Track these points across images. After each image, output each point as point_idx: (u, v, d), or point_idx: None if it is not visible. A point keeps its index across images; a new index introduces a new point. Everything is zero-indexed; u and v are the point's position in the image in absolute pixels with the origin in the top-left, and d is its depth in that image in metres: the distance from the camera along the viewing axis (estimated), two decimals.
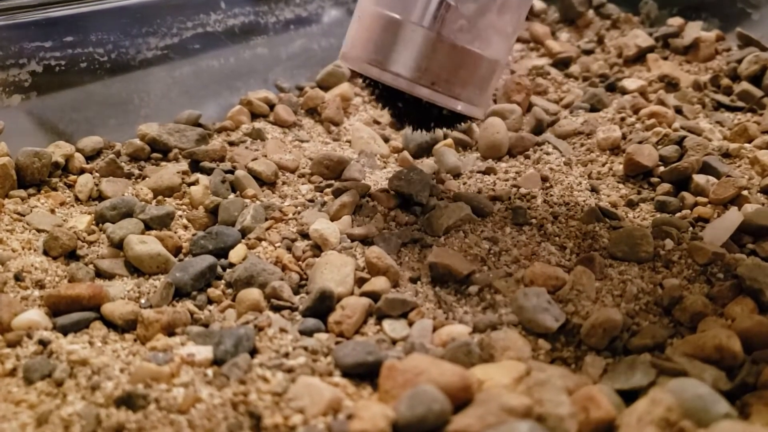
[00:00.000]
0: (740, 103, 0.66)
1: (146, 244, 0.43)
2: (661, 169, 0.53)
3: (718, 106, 0.66)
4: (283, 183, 0.53)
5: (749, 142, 0.58)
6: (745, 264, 0.40)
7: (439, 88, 0.42)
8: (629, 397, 0.31)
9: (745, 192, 0.48)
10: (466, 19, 0.42)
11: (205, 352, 0.34)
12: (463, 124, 0.51)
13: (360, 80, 0.57)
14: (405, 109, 0.47)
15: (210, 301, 0.41)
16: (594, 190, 0.51)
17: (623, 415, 0.29)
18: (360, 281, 0.41)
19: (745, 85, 0.67)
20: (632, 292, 0.39)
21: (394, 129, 0.63)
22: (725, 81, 0.69)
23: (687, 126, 0.58)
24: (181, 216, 0.48)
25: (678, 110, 0.63)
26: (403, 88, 0.43)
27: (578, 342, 0.36)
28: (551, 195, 0.51)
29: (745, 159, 0.55)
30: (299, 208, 0.49)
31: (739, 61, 0.70)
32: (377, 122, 0.65)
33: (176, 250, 0.45)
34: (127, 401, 0.31)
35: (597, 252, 0.43)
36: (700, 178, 0.51)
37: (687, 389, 0.29)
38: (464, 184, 0.54)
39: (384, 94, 0.48)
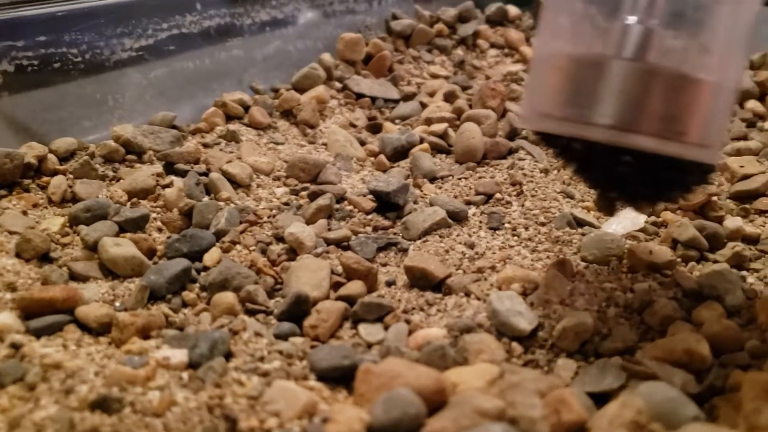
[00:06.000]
0: None
1: (121, 247, 0.43)
2: None
3: None
4: (258, 186, 0.53)
5: None
6: (703, 272, 0.42)
7: (683, 137, 0.32)
8: (600, 399, 0.32)
9: (714, 198, 0.49)
10: (684, 43, 0.34)
11: (180, 355, 0.34)
12: (704, 183, 0.39)
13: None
14: (630, 177, 0.36)
15: (185, 305, 0.41)
16: (567, 195, 0.52)
17: (594, 418, 0.29)
18: (336, 285, 0.41)
19: None
20: (603, 296, 0.40)
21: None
22: None
23: None
24: (155, 218, 0.48)
25: None
26: (623, 142, 0.33)
27: (551, 345, 0.37)
28: (525, 200, 0.51)
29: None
30: (274, 211, 0.49)
31: None
32: (353, 125, 0.66)
33: (151, 253, 0.45)
34: (102, 405, 0.31)
35: (569, 256, 0.44)
36: None
37: (657, 393, 0.29)
38: (440, 188, 0.54)
39: (594, 161, 0.37)
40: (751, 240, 0.46)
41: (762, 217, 0.50)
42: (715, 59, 0.34)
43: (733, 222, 0.47)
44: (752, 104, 0.66)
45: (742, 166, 0.54)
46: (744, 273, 0.43)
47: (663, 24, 0.33)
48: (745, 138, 0.61)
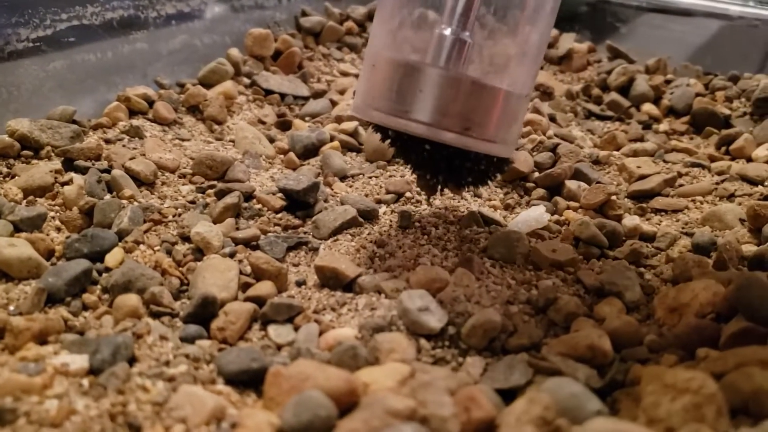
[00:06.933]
0: (609, 113, 0.70)
1: (16, 247, 0.41)
2: (536, 174, 0.55)
3: (589, 114, 0.70)
4: (163, 183, 0.52)
5: (617, 150, 0.62)
6: (604, 269, 0.43)
7: (473, 133, 0.39)
8: (508, 396, 0.33)
9: (613, 197, 0.51)
10: (485, 56, 0.40)
11: (80, 361, 0.33)
12: (498, 174, 0.46)
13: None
14: (435, 164, 0.43)
15: (85, 308, 0.39)
16: (475, 194, 0.53)
17: (503, 415, 0.30)
18: (244, 286, 0.40)
19: (614, 95, 0.71)
20: (509, 293, 0.41)
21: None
22: (596, 91, 0.73)
23: (560, 134, 0.61)
24: (53, 217, 0.46)
25: (552, 118, 0.66)
26: (428, 136, 0.39)
27: (459, 342, 0.37)
28: (435, 199, 0.52)
29: (614, 166, 0.58)
30: (180, 209, 0.48)
31: (609, 72, 0.74)
32: (262, 122, 0.65)
33: (48, 254, 0.42)
34: None
35: (476, 254, 0.45)
36: (572, 184, 0.53)
37: (562, 388, 0.30)
38: (351, 186, 0.54)
39: (408, 148, 0.44)
40: (648, 237, 0.49)
41: (658, 215, 0.52)
42: (510, 71, 0.41)
43: (631, 220, 0.49)
44: (648, 107, 0.69)
45: (639, 167, 0.56)
46: (641, 269, 0.45)
47: (476, 36, 0.39)
48: (641, 139, 0.64)
